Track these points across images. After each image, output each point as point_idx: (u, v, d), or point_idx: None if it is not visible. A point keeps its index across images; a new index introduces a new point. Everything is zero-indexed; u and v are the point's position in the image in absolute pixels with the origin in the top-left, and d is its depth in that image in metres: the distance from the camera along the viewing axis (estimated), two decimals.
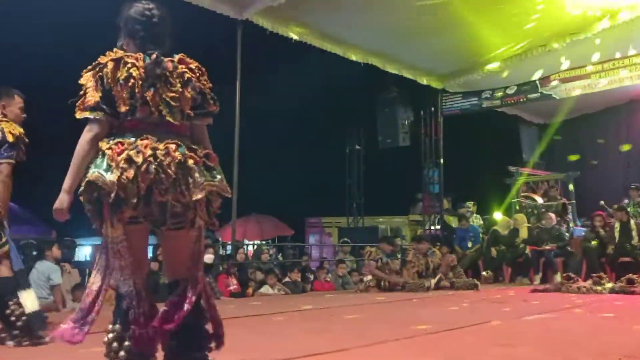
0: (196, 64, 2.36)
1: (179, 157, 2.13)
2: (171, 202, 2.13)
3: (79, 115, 2.21)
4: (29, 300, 3.68)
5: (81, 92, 2.23)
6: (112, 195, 2.06)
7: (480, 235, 11.34)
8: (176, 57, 2.32)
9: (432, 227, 13.29)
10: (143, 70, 2.22)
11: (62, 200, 2.19)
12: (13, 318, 3.46)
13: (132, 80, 2.19)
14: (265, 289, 8.55)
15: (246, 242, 14.03)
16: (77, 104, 2.23)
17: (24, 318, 3.49)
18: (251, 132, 10.29)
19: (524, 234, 10.40)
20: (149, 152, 2.10)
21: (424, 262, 8.72)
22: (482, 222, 12.09)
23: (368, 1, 9.02)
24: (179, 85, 2.25)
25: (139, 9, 2.37)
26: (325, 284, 9.47)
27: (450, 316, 4.88)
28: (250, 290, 8.50)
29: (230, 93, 8.88)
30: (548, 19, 10.14)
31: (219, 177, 2.23)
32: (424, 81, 12.52)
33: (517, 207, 12.25)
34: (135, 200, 2.08)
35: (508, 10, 9.62)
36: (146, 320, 2.16)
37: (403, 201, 15.91)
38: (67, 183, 2.19)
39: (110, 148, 2.12)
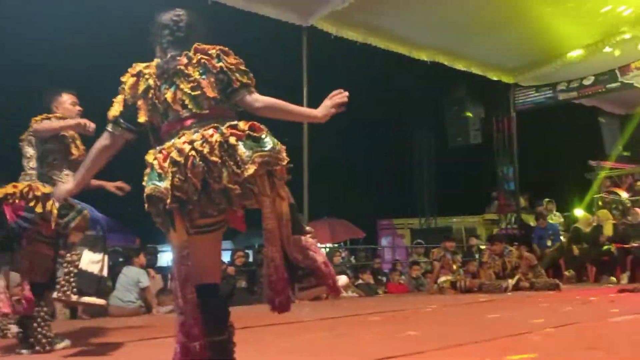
0: (217, 47, 2.32)
1: (218, 140, 2.05)
2: (229, 186, 2.01)
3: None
4: (87, 259, 3.79)
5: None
6: (169, 200, 2.02)
7: (561, 233, 10.90)
8: (193, 49, 2.31)
9: (509, 226, 12.89)
10: (157, 73, 2.28)
11: (62, 188, 2.38)
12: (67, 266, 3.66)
13: (150, 90, 2.26)
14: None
15: (318, 245, 14.13)
16: None
17: (75, 270, 3.65)
18: (321, 135, 10.39)
19: (608, 230, 9.90)
20: (187, 147, 2.05)
21: (500, 263, 8.50)
22: (562, 219, 11.60)
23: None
24: (196, 74, 2.24)
25: (168, 15, 2.42)
26: (399, 286, 9.41)
27: (530, 318, 4.72)
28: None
29: (298, 99, 9.01)
30: (625, 3, 9.61)
31: (269, 146, 2.07)
32: (494, 76, 12.18)
33: (600, 203, 11.69)
34: (196, 197, 2.02)
35: None
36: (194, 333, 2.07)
37: (477, 200, 15.53)
38: (74, 178, 2.33)
39: (155, 158, 2.13)
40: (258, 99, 2.30)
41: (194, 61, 2.27)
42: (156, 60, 2.34)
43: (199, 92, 2.22)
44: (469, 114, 12.29)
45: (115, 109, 2.30)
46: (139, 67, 2.34)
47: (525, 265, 8.65)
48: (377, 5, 8.87)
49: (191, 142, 2.07)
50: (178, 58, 2.29)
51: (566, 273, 9.98)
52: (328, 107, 2.33)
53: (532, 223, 12.08)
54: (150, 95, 2.26)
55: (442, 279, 8.58)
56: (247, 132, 2.09)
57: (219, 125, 2.12)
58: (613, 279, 9.41)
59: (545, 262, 10.04)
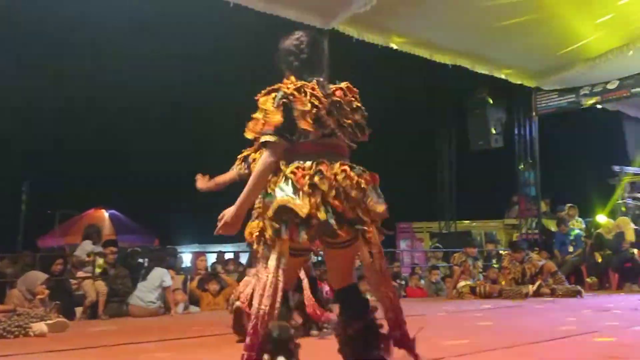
0: (356, 91, 2.51)
1: (356, 179, 2.25)
2: (362, 216, 2.25)
3: (250, 135, 2.34)
4: None
5: (257, 114, 2.31)
6: (303, 217, 2.15)
7: (582, 239, 10.74)
8: (343, 85, 2.48)
9: (529, 231, 12.74)
10: (322, 96, 2.35)
11: (236, 215, 2.26)
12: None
13: (315, 108, 2.30)
14: None
15: None
16: (249, 123, 2.35)
17: None
18: None
19: (630, 236, 9.73)
20: (331, 176, 2.22)
21: (520, 269, 8.41)
22: (583, 225, 11.43)
23: (454, 2, 8.84)
24: (349, 111, 2.41)
25: (290, 41, 2.53)
26: (417, 290, 9.36)
27: (551, 325, 4.66)
28: None
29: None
30: None
31: (382, 199, 2.34)
32: (517, 80, 12.05)
33: (623, 209, 11.49)
34: (315, 222, 2.18)
35: (607, 1, 9.06)
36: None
37: (497, 204, 15.37)
38: (243, 201, 2.26)
39: (293, 172, 2.21)
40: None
41: (347, 98, 2.43)
42: (313, 82, 2.39)
43: (351, 130, 2.41)
44: (491, 118, 12.18)
45: (276, 119, 2.26)
46: (299, 82, 2.37)
47: (546, 271, 8.54)
48: (399, 8, 8.85)
49: (335, 174, 2.24)
50: (332, 87, 2.44)
51: (588, 280, 9.82)
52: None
53: (554, 228, 11.92)
54: (314, 111, 2.30)
55: (462, 284, 8.52)
56: (372, 183, 2.33)
57: (354, 166, 2.33)
58: (636, 286, 9.25)
59: (567, 268, 9.90)
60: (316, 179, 2.18)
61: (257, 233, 2.31)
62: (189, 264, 11.13)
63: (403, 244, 16.03)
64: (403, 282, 9.62)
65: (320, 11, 8.85)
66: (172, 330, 5.09)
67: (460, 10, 9.11)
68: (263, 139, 2.24)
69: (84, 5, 10.87)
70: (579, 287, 8.35)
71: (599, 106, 12.27)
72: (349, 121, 2.39)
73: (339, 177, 2.21)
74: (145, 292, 6.79)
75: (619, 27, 10.07)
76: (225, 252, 10.19)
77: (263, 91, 2.35)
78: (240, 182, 3.03)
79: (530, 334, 4.08)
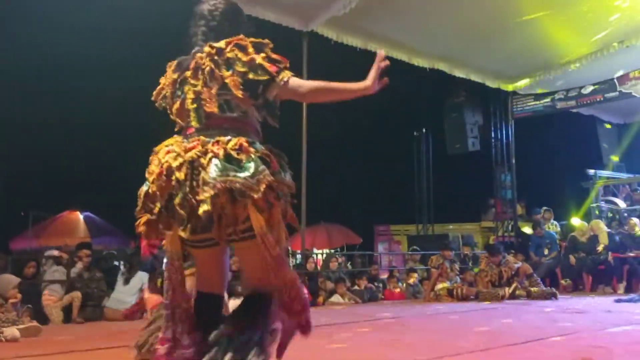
0: (232, 41, 2.09)
1: (191, 156, 1.94)
2: (176, 207, 1.91)
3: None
4: None
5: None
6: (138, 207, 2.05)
7: (557, 242, 10.88)
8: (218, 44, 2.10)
9: (506, 234, 12.88)
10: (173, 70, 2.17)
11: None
12: None
13: (163, 91, 2.23)
14: (335, 297, 8.59)
15: (315, 250, 14.13)
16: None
17: None
18: (318, 140, 10.39)
19: (604, 240, 9.88)
20: (165, 157, 1.99)
21: (497, 272, 8.49)
22: (558, 228, 11.59)
23: (432, 6, 8.90)
24: (201, 80, 2.08)
25: (204, 5, 2.28)
26: (395, 293, 9.38)
27: (526, 327, 4.71)
28: (321, 299, 8.56)
29: (296, 103, 8.99)
30: (628, 13, 9.61)
31: (246, 172, 1.88)
32: (493, 84, 12.20)
33: (597, 212, 11.69)
34: (156, 210, 1.99)
35: (582, 7, 9.21)
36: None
37: (474, 207, 15.54)
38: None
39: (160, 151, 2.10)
40: (302, 85, 2.08)
41: (205, 65, 2.10)
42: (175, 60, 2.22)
43: (201, 101, 2.09)
44: (468, 121, 12.30)
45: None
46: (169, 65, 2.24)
47: (522, 273, 8.63)
48: (377, 12, 8.89)
49: (170, 152, 2.00)
50: (196, 56, 2.13)
51: (563, 282, 9.96)
52: (374, 76, 2.14)
53: (529, 231, 12.07)
54: (165, 95, 2.20)
55: (439, 286, 8.56)
56: (229, 151, 1.93)
57: (208, 140, 1.98)
58: (609, 289, 9.41)
59: (542, 270, 10.01)
60: (154, 162, 2.09)
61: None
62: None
63: (381, 247, 16.10)
64: (380, 285, 9.63)
65: (300, 14, 8.85)
66: None
67: (438, 15, 9.18)
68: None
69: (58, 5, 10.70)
70: (554, 289, 8.45)
71: (573, 110, 12.48)
72: (196, 91, 2.06)
73: (170, 157, 1.98)
74: (126, 295, 6.68)
75: (593, 33, 10.26)
76: None
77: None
78: None
79: (507, 336, 4.10)
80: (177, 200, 1.90)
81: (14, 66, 14.17)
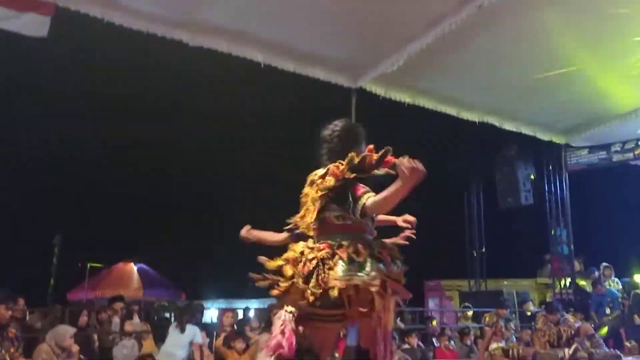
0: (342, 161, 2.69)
1: (321, 256, 2.58)
2: (307, 294, 2.54)
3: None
4: None
5: None
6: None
7: (620, 300, 10.34)
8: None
9: (564, 291, 12.35)
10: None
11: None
12: None
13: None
14: None
15: None
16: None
17: None
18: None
19: None
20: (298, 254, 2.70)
21: (555, 331, 8.11)
22: (620, 285, 11.03)
23: (479, 61, 8.95)
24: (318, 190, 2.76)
25: (326, 131, 2.92)
26: (447, 352, 9.07)
27: None
28: None
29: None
30: None
31: (364, 271, 2.52)
32: (545, 137, 11.99)
33: None
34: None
35: (633, 58, 9.06)
36: None
37: (529, 263, 15.01)
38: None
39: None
40: (374, 206, 2.67)
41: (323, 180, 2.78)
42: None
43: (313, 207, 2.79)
44: (520, 174, 12.08)
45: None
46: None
47: (583, 334, 8.21)
48: (425, 68, 8.99)
49: (302, 252, 2.69)
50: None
51: (627, 344, 9.40)
52: (408, 163, 2.62)
53: (589, 289, 11.53)
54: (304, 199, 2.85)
55: (494, 345, 8.23)
56: (350, 255, 2.55)
57: (335, 244, 2.61)
58: None
59: (605, 331, 9.51)
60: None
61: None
62: (211, 320, 11.05)
63: (432, 303, 15.66)
64: (431, 344, 9.35)
65: (349, 71, 9.06)
66: None
67: (486, 69, 9.21)
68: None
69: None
70: (618, 352, 7.99)
71: (631, 163, 12.09)
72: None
73: (306, 252, 2.70)
74: (177, 348, 6.72)
75: None
76: (251, 308, 10.11)
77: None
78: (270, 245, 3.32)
79: None
80: (311, 284, 2.52)
81: (74, 117, 14.95)
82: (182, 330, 6.80)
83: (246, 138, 16.09)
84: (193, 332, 6.79)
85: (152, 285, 14.75)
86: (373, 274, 2.51)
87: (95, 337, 6.92)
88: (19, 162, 15.43)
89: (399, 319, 9.78)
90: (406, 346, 8.75)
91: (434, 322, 9.80)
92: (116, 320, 7.09)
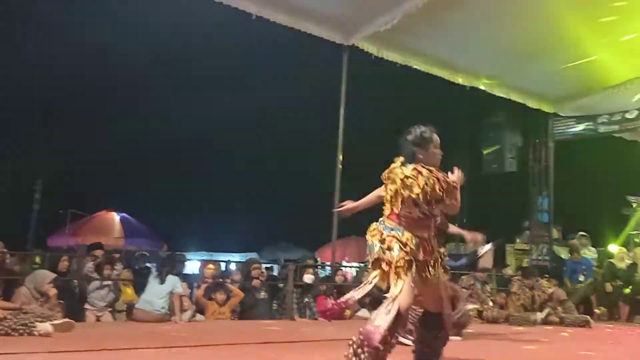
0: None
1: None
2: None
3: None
4: None
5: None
6: None
7: (594, 268, 10.60)
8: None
9: (540, 258, 12.60)
10: None
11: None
12: None
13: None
14: (363, 312, 8.53)
15: (345, 263, 14.08)
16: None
17: None
18: (355, 154, 10.39)
19: None
20: None
21: (530, 295, 8.30)
22: (595, 254, 11.29)
23: (475, 24, 8.84)
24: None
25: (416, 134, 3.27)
26: None
27: (559, 355, 4.59)
28: (348, 313, 8.51)
29: (334, 117, 9.06)
30: None
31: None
32: (534, 105, 12.01)
33: (637, 240, 11.34)
34: None
35: (628, 31, 9.02)
36: None
37: (508, 229, 15.25)
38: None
39: None
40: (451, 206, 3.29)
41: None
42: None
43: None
44: (506, 142, 12.13)
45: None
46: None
47: (555, 299, 8.43)
48: (419, 28, 8.87)
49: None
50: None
51: (597, 310, 9.68)
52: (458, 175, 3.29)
53: (565, 256, 11.79)
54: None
55: (469, 307, 8.41)
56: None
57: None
58: None
59: (577, 297, 9.76)
60: None
61: None
62: (193, 272, 11.10)
63: None
64: None
65: (342, 27, 8.91)
66: (178, 338, 5.07)
67: (481, 34, 9.12)
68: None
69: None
70: (588, 317, 8.22)
71: (616, 135, 12.19)
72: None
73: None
74: (156, 298, 6.75)
75: (638, 57, 10.03)
76: (233, 261, 10.20)
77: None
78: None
79: None
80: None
81: (64, 65, 14.62)
82: (162, 280, 6.82)
83: (234, 90, 15.89)
84: (173, 282, 6.81)
85: (133, 234, 14.75)
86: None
87: (76, 283, 6.94)
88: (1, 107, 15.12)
89: None
90: None
91: None
92: (93, 266, 7.09)
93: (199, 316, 7.27)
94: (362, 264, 15.52)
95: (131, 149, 17.92)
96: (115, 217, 15.27)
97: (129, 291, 7.57)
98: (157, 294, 6.76)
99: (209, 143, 18.48)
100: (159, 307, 6.69)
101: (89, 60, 14.58)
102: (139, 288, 7.18)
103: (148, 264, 8.59)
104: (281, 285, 8.28)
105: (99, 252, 7.28)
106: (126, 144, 17.70)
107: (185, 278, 8.07)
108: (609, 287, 9.83)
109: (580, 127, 12.06)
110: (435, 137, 3.26)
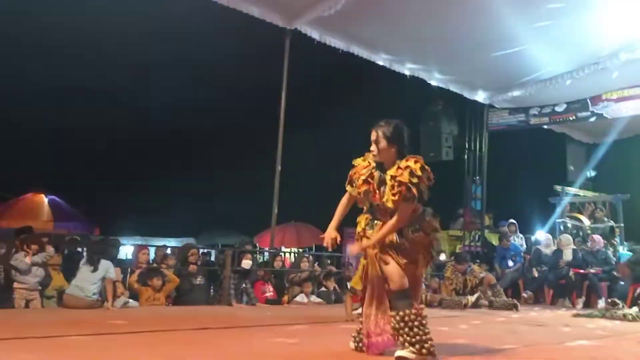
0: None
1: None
2: None
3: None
4: None
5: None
6: None
7: (522, 254, 11.08)
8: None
9: (472, 244, 13.05)
10: None
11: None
12: None
13: None
14: (300, 297, 8.58)
15: (284, 249, 14.09)
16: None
17: None
18: (294, 139, 10.36)
19: (568, 255, 10.10)
20: None
21: (461, 280, 8.59)
22: (523, 241, 11.81)
23: (417, 15, 8.97)
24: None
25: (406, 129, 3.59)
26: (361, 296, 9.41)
27: (487, 337, 4.76)
28: (286, 298, 8.54)
29: (275, 101, 8.99)
30: (601, 38, 9.86)
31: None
32: (471, 96, 12.36)
33: (562, 228, 11.94)
34: None
35: (560, 27, 9.40)
36: None
37: (443, 216, 15.68)
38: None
39: None
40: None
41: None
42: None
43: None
44: (443, 131, 12.42)
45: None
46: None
47: (486, 284, 8.76)
48: (363, 15, 8.91)
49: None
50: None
51: (524, 294, 10.14)
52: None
53: (495, 242, 12.25)
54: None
55: None
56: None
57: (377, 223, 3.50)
58: (569, 303, 9.62)
59: (505, 282, 10.19)
60: None
61: None
62: (126, 256, 10.81)
63: (350, 249, 16.08)
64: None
65: (285, 11, 8.81)
66: (110, 324, 4.92)
67: (422, 25, 9.26)
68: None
69: None
70: (515, 301, 8.59)
71: (546, 127, 12.73)
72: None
73: None
74: (88, 284, 6.51)
75: (568, 53, 10.48)
76: (168, 246, 10.00)
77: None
78: None
79: (467, 345, 4.15)
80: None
81: None
82: (94, 265, 6.59)
83: (172, 71, 15.46)
84: (105, 267, 6.59)
85: (64, 218, 14.17)
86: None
87: (1, 267, 6.59)
88: None
89: (316, 263, 10.01)
90: (323, 289, 8.99)
91: (349, 270, 10.09)
92: (20, 251, 6.75)
93: (132, 302, 7.08)
94: (300, 250, 15.59)
95: (61, 127, 17.13)
96: (44, 199, 14.61)
97: (59, 277, 7.26)
98: (88, 279, 6.52)
99: (145, 123, 17.92)
100: (90, 293, 6.46)
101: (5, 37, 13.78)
102: (70, 274, 6.90)
103: (79, 249, 8.26)
104: (217, 270, 8.19)
105: (26, 236, 6.96)
106: (55, 122, 16.89)
107: (119, 263, 7.84)
108: (535, 272, 10.30)
109: (513, 119, 12.51)
110: (372, 133, 3.47)
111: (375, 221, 3.45)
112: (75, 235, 10.95)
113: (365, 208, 3.59)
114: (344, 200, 3.70)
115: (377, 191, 3.38)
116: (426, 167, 3.35)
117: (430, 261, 3.69)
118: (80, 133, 17.29)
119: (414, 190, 3.24)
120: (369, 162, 3.49)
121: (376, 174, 3.42)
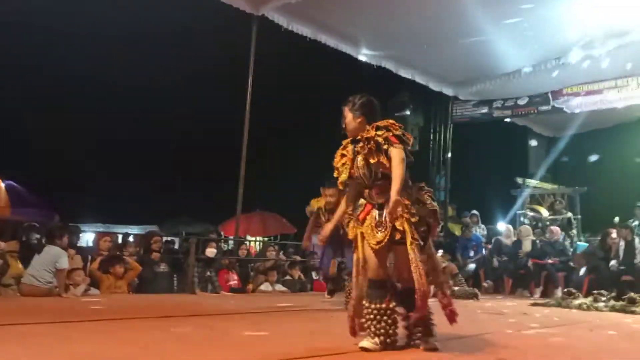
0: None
1: None
2: None
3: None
4: None
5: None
6: None
7: (483, 244, 11.30)
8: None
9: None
10: None
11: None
12: None
13: None
14: (265, 286, 8.57)
15: (249, 238, 14.03)
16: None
17: None
18: (260, 128, 10.29)
19: (527, 246, 10.36)
20: None
21: None
22: (485, 232, 12.05)
23: (387, 6, 8.99)
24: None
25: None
26: (324, 284, 9.45)
27: (446, 325, 4.85)
28: (250, 286, 8.52)
29: (242, 90, 8.90)
30: (564, 32, 10.07)
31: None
32: (436, 87, 12.48)
33: (522, 219, 12.21)
34: None
35: (525, 22, 9.56)
36: None
37: None
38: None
39: None
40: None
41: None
42: None
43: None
44: (409, 122, 12.52)
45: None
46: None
47: (447, 273, 8.90)
48: (330, 3, 8.88)
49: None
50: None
51: (485, 284, 10.35)
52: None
53: (458, 233, 12.47)
54: None
55: None
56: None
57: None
58: (527, 292, 9.87)
59: (467, 271, 10.38)
60: None
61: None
62: (87, 244, 10.59)
63: (315, 238, 16.11)
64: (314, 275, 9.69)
65: None
66: (67, 312, 4.82)
67: (390, 15, 9.29)
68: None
69: None
70: (476, 290, 8.77)
71: (508, 120, 12.96)
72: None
73: None
74: (41, 271, 6.34)
75: (533, 47, 10.68)
76: (131, 233, 9.84)
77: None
78: None
79: None
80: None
81: None
82: (47, 252, 6.41)
83: (137, 55, 15.13)
84: (56, 255, 6.39)
85: (21, 204, 13.77)
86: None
87: None
88: None
89: (281, 252, 10.01)
90: (288, 278, 9.00)
91: (314, 258, 10.12)
92: None
93: (93, 290, 6.95)
94: (265, 239, 15.54)
95: (18, 112, 16.58)
96: (0, 184, 14.16)
97: (16, 264, 7.06)
98: (42, 266, 6.36)
99: (108, 107, 17.52)
100: (44, 282, 6.30)
101: None
102: (28, 262, 6.71)
103: (38, 236, 8.04)
104: (181, 258, 8.11)
105: None
106: (12, 103, 16.34)
107: (80, 251, 7.68)
108: (495, 262, 10.53)
109: (477, 111, 12.69)
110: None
111: (361, 200, 3.39)
112: (34, 222, 10.67)
113: (347, 189, 3.51)
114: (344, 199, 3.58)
115: (354, 162, 3.32)
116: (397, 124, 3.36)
117: (437, 228, 3.63)
118: (39, 118, 16.78)
119: (386, 136, 3.25)
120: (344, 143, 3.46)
121: (350, 146, 3.39)
